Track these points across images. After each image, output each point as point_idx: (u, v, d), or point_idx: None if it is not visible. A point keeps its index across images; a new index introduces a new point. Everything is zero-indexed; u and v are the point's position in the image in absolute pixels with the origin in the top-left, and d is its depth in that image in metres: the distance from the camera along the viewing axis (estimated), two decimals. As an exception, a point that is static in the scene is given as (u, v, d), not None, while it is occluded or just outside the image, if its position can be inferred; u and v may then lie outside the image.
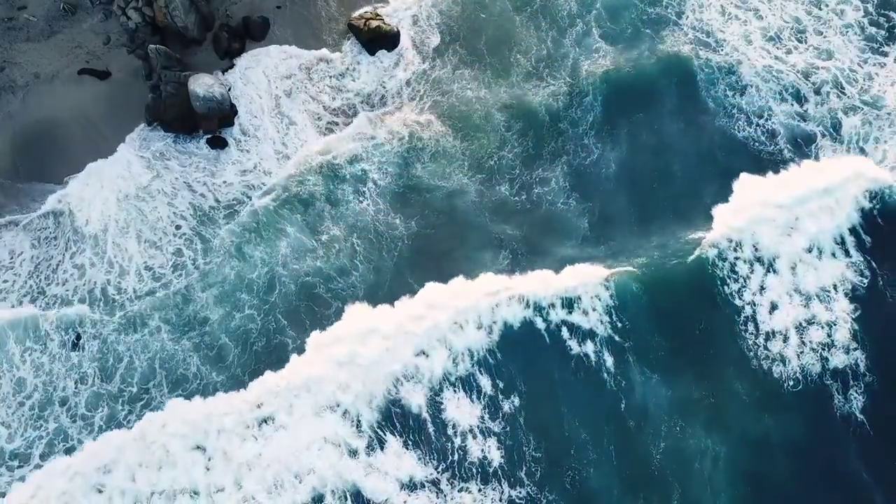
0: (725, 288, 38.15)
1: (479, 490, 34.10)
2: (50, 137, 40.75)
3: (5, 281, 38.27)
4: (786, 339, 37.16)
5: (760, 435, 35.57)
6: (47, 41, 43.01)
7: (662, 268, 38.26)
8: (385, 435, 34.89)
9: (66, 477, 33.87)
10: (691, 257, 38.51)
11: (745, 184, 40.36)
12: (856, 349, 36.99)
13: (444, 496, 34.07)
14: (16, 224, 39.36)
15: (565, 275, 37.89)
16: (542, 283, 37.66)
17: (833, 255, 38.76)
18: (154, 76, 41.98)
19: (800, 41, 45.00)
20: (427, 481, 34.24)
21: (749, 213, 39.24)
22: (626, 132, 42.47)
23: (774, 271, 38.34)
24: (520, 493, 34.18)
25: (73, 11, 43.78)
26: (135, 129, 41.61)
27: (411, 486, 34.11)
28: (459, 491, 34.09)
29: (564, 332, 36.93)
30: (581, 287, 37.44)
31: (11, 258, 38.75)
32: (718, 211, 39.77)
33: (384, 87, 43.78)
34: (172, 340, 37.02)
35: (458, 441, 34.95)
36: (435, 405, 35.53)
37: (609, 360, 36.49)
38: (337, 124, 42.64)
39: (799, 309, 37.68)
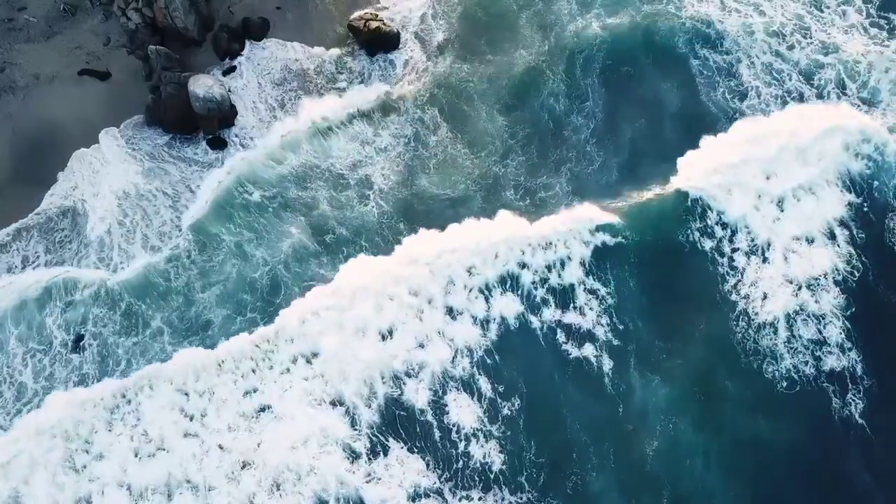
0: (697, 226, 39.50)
1: (480, 498, 33.99)
2: (50, 138, 40.71)
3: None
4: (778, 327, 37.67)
5: (759, 434, 35.57)
6: (47, 42, 42.94)
7: (656, 246, 39.11)
8: (387, 440, 34.76)
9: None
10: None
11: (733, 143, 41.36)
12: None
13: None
14: (21, 228, 39.32)
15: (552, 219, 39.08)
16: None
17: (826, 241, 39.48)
18: (154, 77, 41.95)
19: (804, 37, 45.12)
20: (431, 490, 34.01)
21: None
22: (628, 137, 42.58)
23: (768, 250, 39.12)
24: (520, 498, 34.12)
25: (73, 12, 43.68)
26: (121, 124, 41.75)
27: (415, 495, 33.90)
28: (461, 500, 33.92)
29: (560, 335, 37.02)
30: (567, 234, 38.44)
31: (24, 265, 38.66)
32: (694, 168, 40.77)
33: (384, 88, 43.69)
34: (173, 344, 36.72)
35: (461, 446, 34.76)
36: (437, 408, 35.40)
37: (607, 361, 36.56)
38: (332, 121, 42.61)
39: (788, 297, 38.00)
